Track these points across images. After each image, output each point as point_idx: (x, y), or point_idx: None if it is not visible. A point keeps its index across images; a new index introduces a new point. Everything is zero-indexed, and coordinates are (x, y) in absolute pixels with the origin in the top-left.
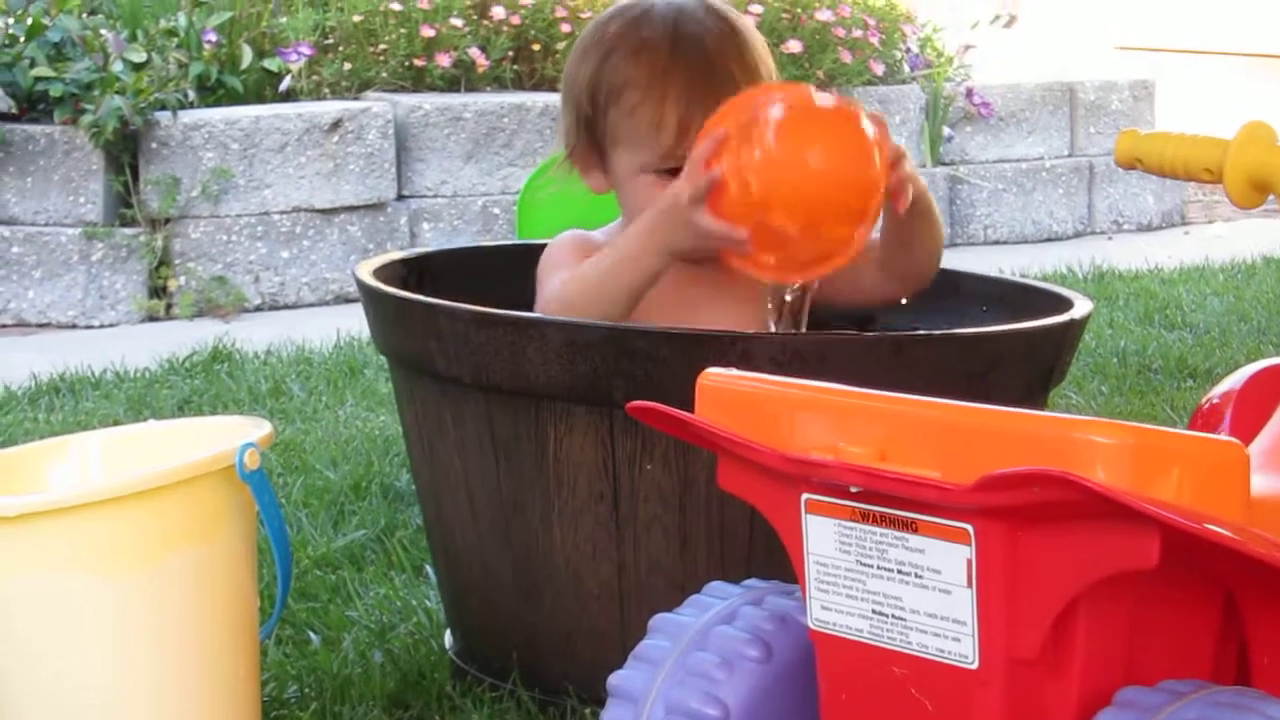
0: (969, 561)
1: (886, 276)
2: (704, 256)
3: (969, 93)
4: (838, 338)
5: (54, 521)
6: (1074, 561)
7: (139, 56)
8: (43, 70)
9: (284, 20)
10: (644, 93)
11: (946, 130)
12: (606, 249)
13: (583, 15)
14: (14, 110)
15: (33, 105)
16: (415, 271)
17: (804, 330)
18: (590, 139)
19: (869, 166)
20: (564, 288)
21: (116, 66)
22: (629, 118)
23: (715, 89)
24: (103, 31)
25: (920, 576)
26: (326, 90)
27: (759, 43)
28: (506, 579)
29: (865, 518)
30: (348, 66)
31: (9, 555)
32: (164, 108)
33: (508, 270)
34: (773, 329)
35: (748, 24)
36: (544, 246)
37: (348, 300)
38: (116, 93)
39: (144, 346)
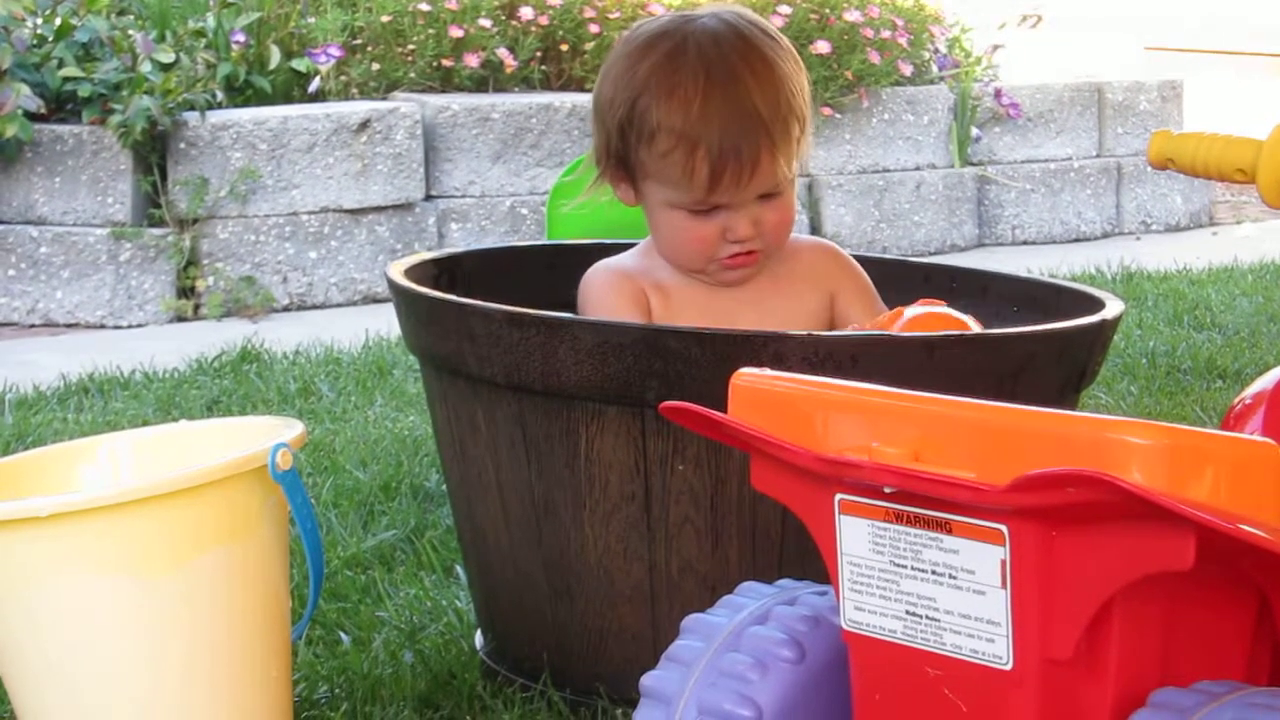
0: (1003, 562)
1: None
2: None
3: (997, 93)
4: (870, 339)
5: (86, 522)
6: (1109, 562)
7: (167, 57)
8: (71, 71)
9: (312, 21)
10: (676, 139)
11: (975, 131)
12: None
13: (611, 15)
14: (42, 110)
15: (61, 105)
16: (446, 272)
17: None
18: (621, 166)
19: None
20: None
21: (145, 67)
22: (661, 160)
23: (748, 144)
24: (131, 32)
25: (954, 577)
26: (354, 91)
27: (792, 69)
28: (538, 579)
29: (899, 518)
30: (376, 67)
31: (40, 556)
32: (192, 108)
33: (539, 270)
34: None
35: (782, 48)
36: (575, 247)
37: (376, 300)
38: (145, 93)
39: (172, 347)
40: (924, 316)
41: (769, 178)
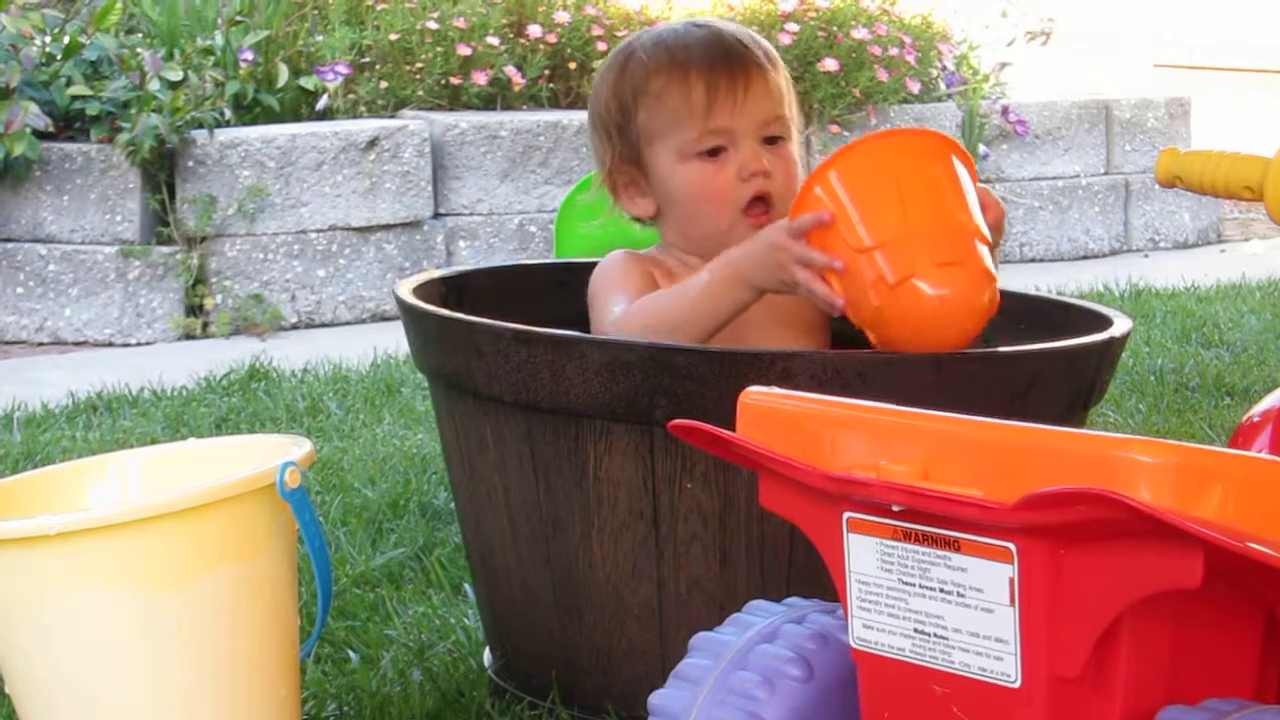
0: (1011, 580)
1: None
2: (790, 292)
3: (1004, 110)
4: (879, 356)
5: (95, 540)
6: (1117, 580)
7: (175, 75)
8: (79, 89)
9: (320, 39)
10: (668, 75)
11: (982, 148)
12: (687, 281)
13: (619, 33)
14: (51, 129)
15: (69, 124)
16: (455, 290)
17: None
18: (626, 151)
19: (967, 213)
20: (634, 317)
21: (153, 85)
22: (658, 103)
23: (736, 63)
24: (139, 50)
25: (963, 595)
26: (363, 109)
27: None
28: (546, 597)
29: (907, 536)
30: (384, 85)
31: (50, 573)
32: (200, 126)
33: (547, 288)
34: None
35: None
36: (583, 264)
37: (384, 318)
38: (153, 111)
39: (181, 365)
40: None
41: (765, 100)
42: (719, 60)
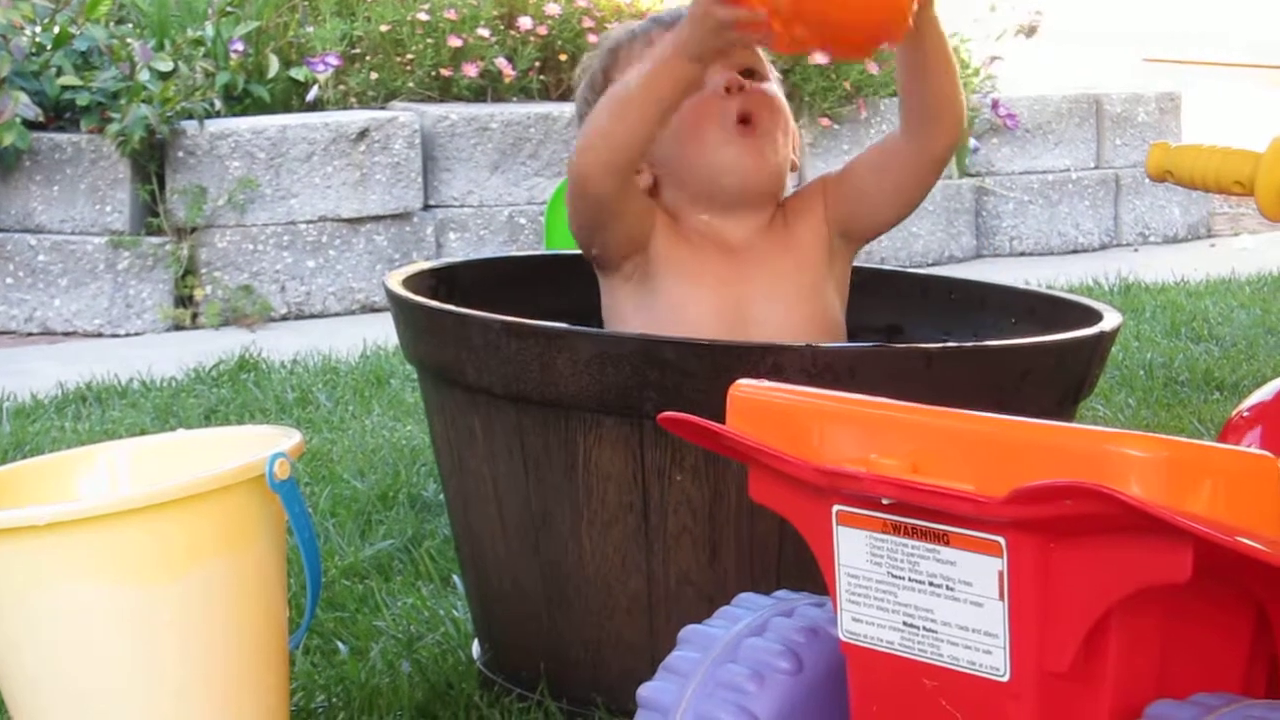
0: (1001, 574)
1: (914, 127)
2: (725, 42)
3: (995, 104)
4: (869, 350)
5: (84, 531)
6: (1106, 574)
7: (166, 66)
8: (69, 79)
9: (311, 30)
10: (630, 38)
11: (973, 142)
12: (634, 68)
13: (609, 25)
14: (41, 119)
15: (59, 114)
16: (444, 281)
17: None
18: None
19: None
20: (591, 115)
21: (143, 76)
22: (627, 62)
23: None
24: (130, 41)
25: (952, 589)
26: (353, 100)
27: None
28: (535, 589)
29: (897, 530)
30: (374, 76)
31: (38, 564)
32: (190, 117)
33: (537, 280)
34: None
35: None
36: (573, 256)
37: (374, 310)
38: (143, 102)
39: (170, 356)
40: None
41: None
42: (679, 14)
